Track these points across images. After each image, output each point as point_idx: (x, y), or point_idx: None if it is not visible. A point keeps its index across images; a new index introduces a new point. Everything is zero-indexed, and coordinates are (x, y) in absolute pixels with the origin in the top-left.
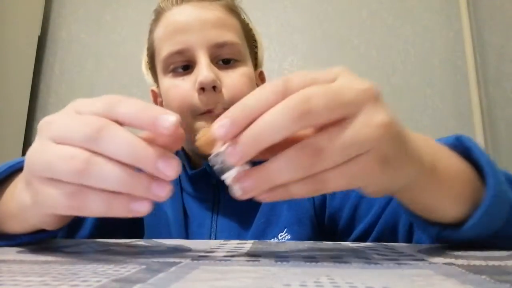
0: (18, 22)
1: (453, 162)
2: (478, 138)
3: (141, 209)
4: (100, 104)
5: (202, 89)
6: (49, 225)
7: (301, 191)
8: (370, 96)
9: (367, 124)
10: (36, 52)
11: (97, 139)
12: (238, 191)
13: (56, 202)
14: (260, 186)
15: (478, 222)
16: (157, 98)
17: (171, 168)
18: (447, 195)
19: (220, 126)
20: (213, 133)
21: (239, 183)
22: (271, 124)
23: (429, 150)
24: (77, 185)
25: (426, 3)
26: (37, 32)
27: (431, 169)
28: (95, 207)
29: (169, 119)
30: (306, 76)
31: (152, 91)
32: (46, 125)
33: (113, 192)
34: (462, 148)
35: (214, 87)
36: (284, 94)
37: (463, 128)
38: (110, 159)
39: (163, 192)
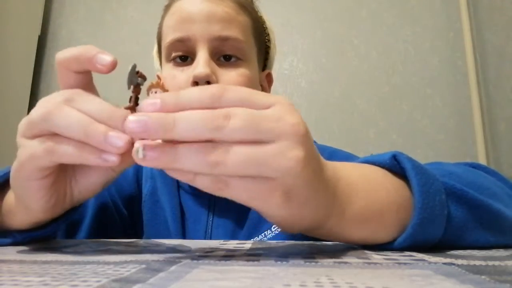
0: (18, 22)
1: (384, 193)
2: (478, 138)
3: (111, 158)
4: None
5: (196, 83)
6: (37, 201)
7: (204, 183)
8: (294, 131)
9: (279, 153)
10: (36, 52)
11: (71, 101)
12: (140, 154)
13: (33, 150)
14: (163, 162)
15: (401, 245)
16: None
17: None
18: (373, 229)
19: (151, 104)
20: (141, 107)
21: (145, 149)
22: (187, 123)
23: (358, 189)
24: (49, 132)
25: (426, 3)
26: (37, 32)
27: (351, 204)
28: (69, 152)
29: (106, 58)
30: (245, 93)
31: (158, 76)
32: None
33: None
34: (399, 167)
35: (208, 83)
36: (217, 102)
37: (463, 128)
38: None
39: (119, 142)
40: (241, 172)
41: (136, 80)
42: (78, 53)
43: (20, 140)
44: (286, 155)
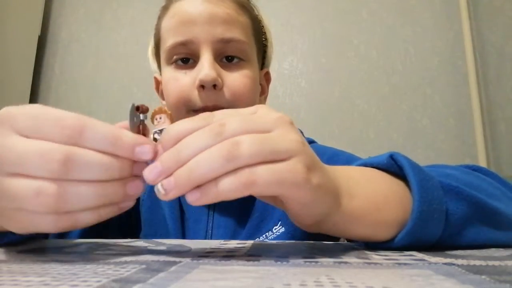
0: (18, 22)
1: (383, 190)
2: (478, 138)
3: (137, 190)
4: (67, 131)
5: (202, 86)
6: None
7: (229, 185)
8: (284, 121)
9: (281, 136)
10: (36, 52)
11: (78, 138)
12: (160, 191)
13: (41, 222)
14: (181, 182)
15: (402, 240)
16: (159, 85)
17: (148, 152)
18: (374, 224)
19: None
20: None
21: (162, 185)
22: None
23: (353, 181)
24: (52, 179)
25: (426, 3)
26: (37, 32)
27: (352, 198)
28: (88, 219)
29: (145, 150)
30: (231, 111)
31: (155, 78)
32: (8, 118)
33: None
34: (396, 167)
35: (214, 86)
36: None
37: (463, 128)
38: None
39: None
40: (257, 157)
41: (138, 118)
42: (113, 143)
43: (12, 190)
44: (287, 138)
